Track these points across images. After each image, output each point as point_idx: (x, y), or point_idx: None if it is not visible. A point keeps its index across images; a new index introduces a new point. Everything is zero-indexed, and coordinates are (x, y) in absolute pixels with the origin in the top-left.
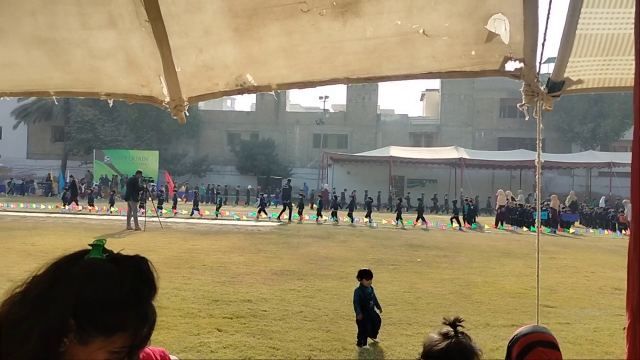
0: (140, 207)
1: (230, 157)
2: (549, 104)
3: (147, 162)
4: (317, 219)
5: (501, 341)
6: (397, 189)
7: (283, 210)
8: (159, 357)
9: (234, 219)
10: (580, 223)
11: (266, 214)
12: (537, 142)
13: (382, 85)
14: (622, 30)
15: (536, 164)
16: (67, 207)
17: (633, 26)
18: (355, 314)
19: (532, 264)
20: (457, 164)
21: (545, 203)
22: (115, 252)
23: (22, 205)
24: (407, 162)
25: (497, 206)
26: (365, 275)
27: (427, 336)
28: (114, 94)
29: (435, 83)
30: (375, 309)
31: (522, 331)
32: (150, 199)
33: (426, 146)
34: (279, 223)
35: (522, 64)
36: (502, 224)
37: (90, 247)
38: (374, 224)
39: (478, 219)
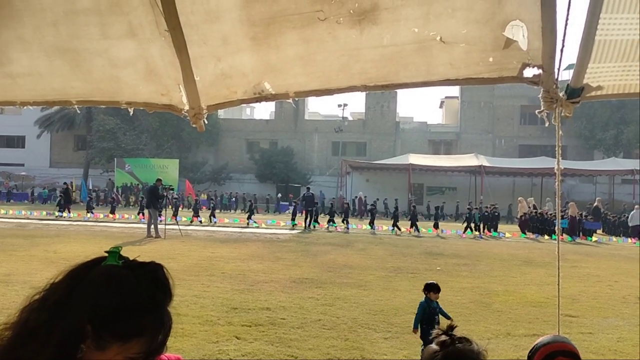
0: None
1: (250, 165)
2: (568, 110)
3: (168, 170)
4: (336, 226)
5: (522, 351)
6: (416, 197)
7: (308, 218)
8: None
9: (253, 227)
10: (602, 231)
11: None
12: (557, 149)
13: (400, 93)
14: None
15: (556, 171)
16: (65, 214)
17: None
18: (412, 328)
19: (553, 273)
20: (477, 172)
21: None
22: (131, 259)
23: (44, 213)
24: (427, 170)
25: (520, 214)
26: (432, 288)
27: (427, 348)
28: (134, 103)
29: (455, 90)
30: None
31: (543, 341)
32: (171, 207)
33: (445, 154)
34: (298, 231)
35: (540, 71)
36: (524, 232)
37: (106, 254)
38: (394, 232)
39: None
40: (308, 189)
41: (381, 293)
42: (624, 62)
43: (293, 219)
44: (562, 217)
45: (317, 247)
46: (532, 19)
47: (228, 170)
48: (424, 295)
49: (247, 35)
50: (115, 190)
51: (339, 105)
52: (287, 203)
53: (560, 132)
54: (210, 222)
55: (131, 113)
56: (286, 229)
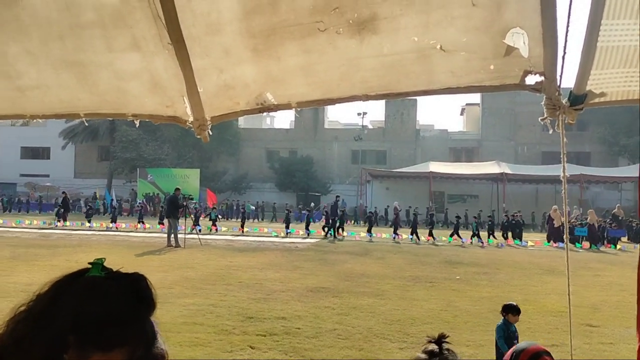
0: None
1: (270, 174)
2: (572, 117)
3: (189, 180)
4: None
5: None
6: (438, 205)
7: (337, 226)
8: None
9: (272, 236)
10: (628, 239)
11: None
12: (562, 156)
13: (421, 101)
14: None
15: (561, 178)
16: (61, 223)
17: None
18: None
19: (575, 282)
20: (499, 179)
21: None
22: (114, 270)
23: (68, 223)
24: (447, 178)
25: (557, 224)
26: (511, 310)
27: (415, 356)
28: (140, 115)
29: (476, 97)
30: None
31: (521, 346)
32: (191, 216)
33: (467, 161)
34: (317, 239)
35: (542, 78)
36: (548, 241)
37: (90, 266)
38: (413, 240)
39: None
40: (337, 197)
41: (398, 302)
42: (627, 69)
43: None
44: (582, 225)
45: (335, 256)
46: (533, 25)
47: (248, 180)
48: (501, 317)
49: (247, 46)
50: (144, 200)
51: (359, 114)
52: (308, 212)
53: (565, 140)
54: (242, 231)
55: (137, 124)
56: (305, 238)
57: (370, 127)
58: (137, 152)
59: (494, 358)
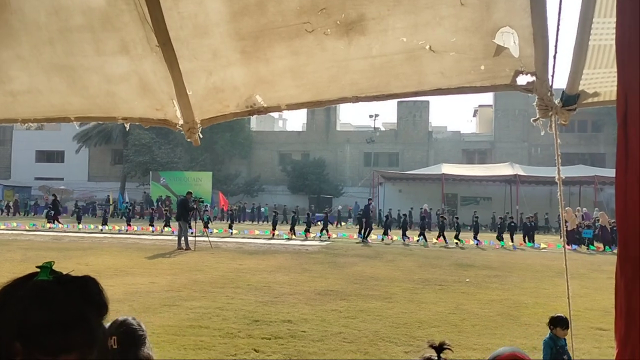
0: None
1: (282, 177)
2: (564, 118)
3: (201, 182)
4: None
5: None
6: (450, 207)
7: (368, 229)
8: None
9: (283, 239)
10: None
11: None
12: (556, 157)
13: (433, 102)
14: None
15: (557, 180)
16: (52, 225)
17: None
18: None
19: (588, 285)
20: (513, 181)
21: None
22: (64, 273)
23: (80, 226)
24: (460, 180)
25: (572, 227)
26: (559, 323)
27: None
28: (130, 118)
29: (489, 98)
30: None
31: (501, 351)
32: (201, 219)
33: (480, 163)
34: (327, 242)
35: (534, 78)
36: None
37: (38, 270)
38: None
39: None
40: (369, 200)
41: (406, 305)
42: None
43: (322, 230)
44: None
45: (345, 259)
46: (523, 25)
47: (260, 182)
48: (548, 331)
49: (236, 49)
50: (159, 203)
51: (371, 116)
52: (321, 214)
53: (559, 141)
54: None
55: (127, 128)
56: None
57: (382, 129)
58: (150, 155)
59: None
